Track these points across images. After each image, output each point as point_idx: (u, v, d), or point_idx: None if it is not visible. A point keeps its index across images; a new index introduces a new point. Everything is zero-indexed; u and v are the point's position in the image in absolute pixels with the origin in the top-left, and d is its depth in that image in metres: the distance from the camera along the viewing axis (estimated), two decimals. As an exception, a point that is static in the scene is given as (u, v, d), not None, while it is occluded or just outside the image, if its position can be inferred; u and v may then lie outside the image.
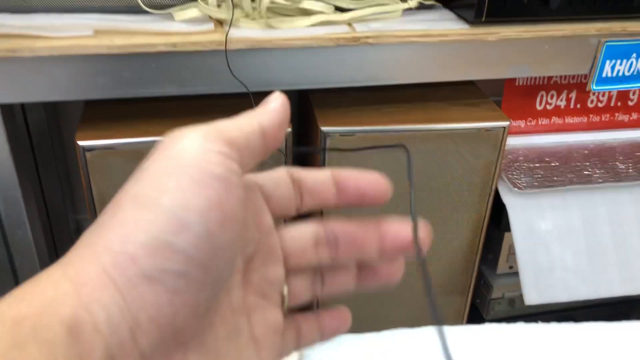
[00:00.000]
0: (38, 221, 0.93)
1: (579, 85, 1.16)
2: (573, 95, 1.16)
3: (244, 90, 0.83)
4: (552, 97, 1.16)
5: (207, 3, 0.80)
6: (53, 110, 1.17)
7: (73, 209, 1.28)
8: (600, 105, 1.18)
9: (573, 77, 1.14)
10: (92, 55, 0.75)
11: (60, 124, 1.19)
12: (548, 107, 1.16)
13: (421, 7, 0.92)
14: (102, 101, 0.95)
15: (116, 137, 0.88)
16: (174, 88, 0.81)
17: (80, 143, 0.87)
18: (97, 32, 0.77)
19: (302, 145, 1.07)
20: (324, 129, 0.95)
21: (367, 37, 0.83)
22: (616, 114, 1.20)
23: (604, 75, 0.97)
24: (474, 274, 1.17)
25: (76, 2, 0.80)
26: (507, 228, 1.08)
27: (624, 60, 0.95)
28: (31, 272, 0.93)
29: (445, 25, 0.88)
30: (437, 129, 0.98)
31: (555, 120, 1.18)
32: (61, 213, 1.21)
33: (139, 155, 0.92)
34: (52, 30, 0.75)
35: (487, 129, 0.99)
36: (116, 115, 0.93)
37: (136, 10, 0.81)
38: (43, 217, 1.07)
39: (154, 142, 0.98)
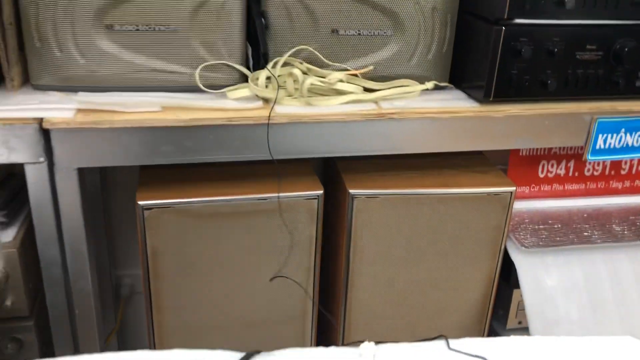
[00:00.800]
0: (96, 275, 1.04)
1: (576, 155, 1.29)
2: (571, 164, 1.29)
3: (285, 157, 0.96)
4: (552, 165, 1.28)
5: (256, 84, 0.94)
6: (104, 174, 1.30)
7: (114, 265, 1.39)
8: (596, 173, 1.31)
9: (571, 148, 1.27)
10: (160, 127, 0.88)
11: (108, 186, 1.31)
12: (549, 174, 1.29)
13: (437, 88, 1.05)
14: (154, 166, 1.07)
15: (171, 198, 1.00)
16: (226, 155, 0.93)
17: (140, 202, 0.99)
18: (165, 108, 0.90)
19: (331, 206, 1.19)
20: (352, 191, 1.07)
21: (392, 113, 0.97)
22: (611, 182, 1.32)
23: (597, 147, 1.10)
24: (486, 329, 1.26)
25: (146, 82, 0.93)
26: (516, 285, 1.18)
27: (614, 134, 1.08)
28: (89, 321, 1.03)
29: (458, 103, 1.02)
30: (451, 192, 1.10)
31: (556, 186, 1.30)
32: (105, 268, 1.32)
33: (190, 213, 1.04)
34: (127, 107, 0.89)
35: (496, 193, 1.11)
36: (169, 179, 1.05)
37: (196, 89, 0.95)
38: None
39: (203, 201, 1.09)
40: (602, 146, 1.10)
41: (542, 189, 1.29)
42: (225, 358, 0.56)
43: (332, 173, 1.19)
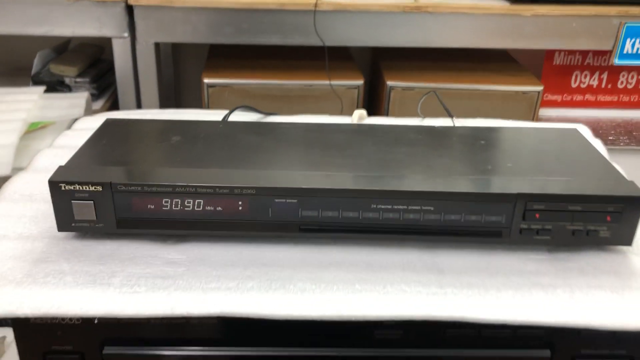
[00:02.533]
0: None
1: (610, 68, 1.34)
2: (604, 76, 1.34)
3: (331, 44, 1.08)
4: (585, 76, 1.34)
5: (307, -24, 1.06)
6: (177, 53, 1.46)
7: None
8: (629, 86, 1.36)
9: (604, 59, 1.33)
10: (223, 8, 1.03)
11: (179, 63, 1.48)
12: (582, 85, 1.35)
13: (472, -12, 1.14)
14: (219, 52, 1.22)
15: (232, 78, 1.15)
16: (278, 38, 1.07)
17: (206, 80, 1.14)
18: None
19: (371, 97, 1.31)
20: (389, 83, 1.18)
21: (427, 7, 1.07)
22: (644, 95, 1.37)
23: (625, 51, 1.15)
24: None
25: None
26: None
27: (640, 37, 1.13)
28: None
29: (490, 2, 1.11)
30: (482, 89, 1.19)
31: (588, 97, 1.36)
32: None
33: (248, 92, 1.19)
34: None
35: (525, 92, 1.20)
36: (232, 64, 1.20)
37: (255, -20, 1.08)
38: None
39: (259, 84, 1.24)
40: (630, 50, 1.15)
41: (574, 98, 1.36)
42: (251, 115, 0.71)
43: (375, 68, 1.31)
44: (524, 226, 0.46)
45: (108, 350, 0.45)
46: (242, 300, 0.43)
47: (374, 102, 1.30)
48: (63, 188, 0.46)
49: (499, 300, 0.43)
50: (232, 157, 0.51)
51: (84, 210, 0.47)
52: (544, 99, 1.35)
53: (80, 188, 0.46)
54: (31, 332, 0.44)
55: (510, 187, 0.46)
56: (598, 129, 1.31)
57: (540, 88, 1.18)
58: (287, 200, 0.46)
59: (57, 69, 1.16)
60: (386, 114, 1.21)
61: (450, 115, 0.69)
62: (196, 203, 0.47)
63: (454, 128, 0.60)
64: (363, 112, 0.71)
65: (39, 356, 0.45)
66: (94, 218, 0.47)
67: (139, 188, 0.46)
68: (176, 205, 0.47)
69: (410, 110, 1.20)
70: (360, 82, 1.18)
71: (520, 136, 0.58)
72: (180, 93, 1.52)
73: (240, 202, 0.47)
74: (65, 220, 0.47)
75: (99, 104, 1.18)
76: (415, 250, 0.48)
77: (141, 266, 0.46)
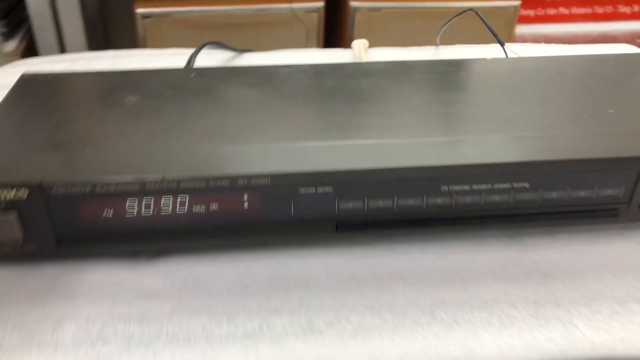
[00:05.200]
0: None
1: (585, -23, 1.21)
2: (580, -14, 1.21)
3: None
4: (560, -13, 1.21)
5: None
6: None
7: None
8: (604, -3, 1.23)
9: (581, -33, 1.19)
10: None
11: None
12: (556, -3, 1.22)
13: None
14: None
15: (170, 6, 0.94)
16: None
17: (139, 10, 0.92)
18: None
19: (334, 24, 1.12)
20: (353, 3, 1.00)
21: None
22: (618, 6, 1.25)
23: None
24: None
25: None
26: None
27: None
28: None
29: None
30: (455, 6, 1.03)
31: (562, 10, 1.23)
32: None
33: (190, 23, 0.98)
34: None
35: (501, 7, 1.05)
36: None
37: None
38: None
39: (203, 11, 1.04)
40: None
41: (547, 12, 1.22)
42: (221, 54, 0.53)
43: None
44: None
45: None
46: (275, 355, 0.27)
47: (335, 28, 1.12)
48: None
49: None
50: (223, 126, 0.34)
51: (3, 227, 0.30)
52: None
53: (-8, 194, 0.29)
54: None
55: (629, 147, 0.32)
56: (574, 44, 1.18)
57: (517, 3, 1.04)
58: (319, 190, 0.30)
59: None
60: (350, 41, 1.04)
61: (501, 44, 0.53)
62: (179, 202, 0.30)
63: (506, 61, 0.45)
64: (364, 41, 0.54)
65: None
66: (20, 237, 0.30)
67: (88, 187, 0.29)
68: (148, 209, 0.30)
69: (380, 36, 1.03)
70: (320, 3, 0.99)
71: (588, 66, 0.43)
72: (109, 28, 1.28)
73: (247, 197, 0.30)
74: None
75: (11, 46, 0.94)
76: (498, 245, 0.33)
77: (103, 305, 0.30)
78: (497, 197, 0.31)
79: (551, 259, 0.32)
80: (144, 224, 0.30)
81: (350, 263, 0.32)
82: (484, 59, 0.43)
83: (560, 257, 0.32)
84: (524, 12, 1.21)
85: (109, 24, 1.26)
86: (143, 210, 0.30)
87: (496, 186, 0.31)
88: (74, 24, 0.89)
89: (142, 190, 0.29)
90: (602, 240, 0.34)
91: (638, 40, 1.21)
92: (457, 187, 0.31)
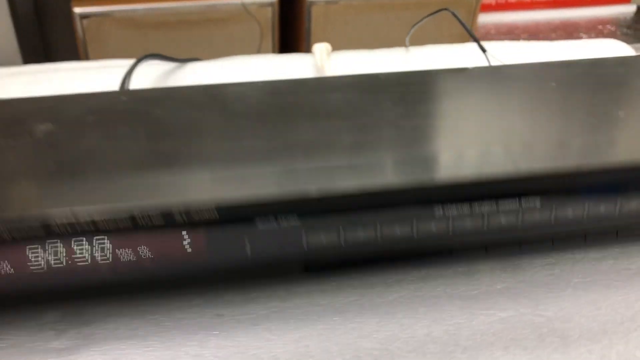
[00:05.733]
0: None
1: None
2: (540, -27, 1.17)
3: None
4: (520, -26, 1.17)
5: None
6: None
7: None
8: (565, -17, 1.20)
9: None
10: None
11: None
12: (517, -16, 1.18)
13: None
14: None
15: (111, 4, 0.86)
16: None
17: (77, 10, 0.84)
18: None
19: (289, 20, 1.06)
20: (312, -2, 0.94)
21: None
22: (579, -8, 1.22)
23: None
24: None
25: None
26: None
27: None
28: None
29: None
30: (418, -2, 0.98)
31: (524, -3, 1.19)
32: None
33: (134, 22, 0.90)
34: None
35: (464, -3, 1.00)
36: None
37: None
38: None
39: (147, 9, 0.96)
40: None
41: (509, 1, 1.18)
42: (162, 65, 0.45)
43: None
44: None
45: None
46: None
47: (290, 24, 1.05)
48: None
49: None
50: (157, 152, 0.27)
51: None
52: (478, 3, 1.17)
53: None
54: None
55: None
56: (537, 32, 1.15)
57: (482, -9, 0.99)
58: (281, 222, 0.24)
59: None
60: (308, 37, 0.98)
61: (480, 45, 0.47)
62: (98, 248, 0.23)
63: (491, 69, 0.39)
64: (326, 45, 0.47)
65: None
66: None
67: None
68: (57, 257, 0.23)
69: (339, 30, 0.97)
70: (274, -1, 0.92)
71: (582, 69, 0.38)
72: (46, 30, 1.18)
73: (187, 237, 0.23)
74: None
75: None
76: (503, 298, 0.26)
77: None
78: (502, 220, 0.25)
79: (566, 313, 0.25)
80: (52, 278, 0.23)
81: (326, 315, 0.25)
82: (466, 69, 0.37)
83: (576, 311, 0.26)
84: (485, 1, 1.17)
85: (45, 25, 1.16)
86: (51, 260, 0.23)
87: (502, 207, 0.25)
88: (2, 26, 0.80)
89: (47, 234, 0.22)
90: (624, 284, 0.27)
91: (600, 27, 1.18)
92: (454, 211, 0.24)
